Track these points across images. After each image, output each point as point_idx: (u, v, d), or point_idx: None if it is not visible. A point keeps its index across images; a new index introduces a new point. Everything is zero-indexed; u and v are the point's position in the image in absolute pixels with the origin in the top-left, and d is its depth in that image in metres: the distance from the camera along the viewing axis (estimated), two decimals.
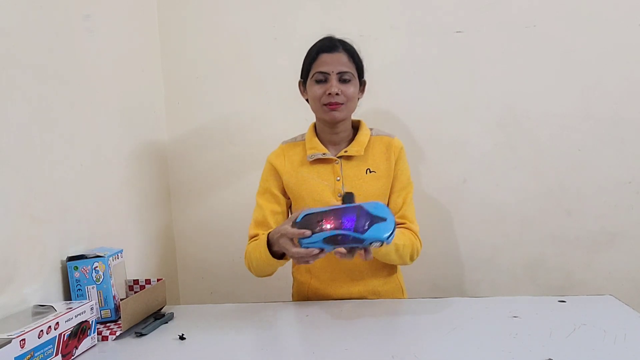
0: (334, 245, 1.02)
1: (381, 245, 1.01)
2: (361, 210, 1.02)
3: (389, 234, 1.00)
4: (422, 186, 1.71)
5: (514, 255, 1.74)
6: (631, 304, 1.13)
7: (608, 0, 1.63)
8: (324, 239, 1.01)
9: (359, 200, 1.24)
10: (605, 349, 0.90)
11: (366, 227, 0.99)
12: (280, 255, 1.18)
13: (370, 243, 1.00)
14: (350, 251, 1.05)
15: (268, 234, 1.19)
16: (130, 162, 1.52)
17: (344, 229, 1.00)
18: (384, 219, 1.01)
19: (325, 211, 1.04)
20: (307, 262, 1.07)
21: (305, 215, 1.05)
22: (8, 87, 1.01)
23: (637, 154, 1.67)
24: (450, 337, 0.99)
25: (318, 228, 1.01)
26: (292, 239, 1.06)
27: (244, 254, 1.30)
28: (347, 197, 1.11)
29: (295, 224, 1.05)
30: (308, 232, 1.02)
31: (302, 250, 1.04)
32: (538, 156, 1.70)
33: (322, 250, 1.03)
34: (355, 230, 0.99)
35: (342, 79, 1.25)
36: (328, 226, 1.01)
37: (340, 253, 1.04)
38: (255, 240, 1.27)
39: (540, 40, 1.66)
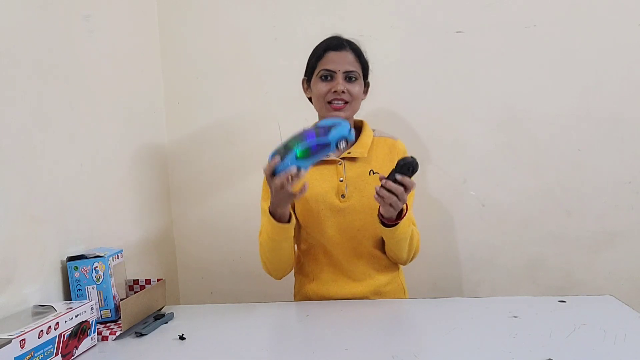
0: (308, 159, 1.10)
1: (347, 144, 1.10)
2: (317, 126, 1.12)
3: (347, 130, 1.10)
4: (423, 186, 1.71)
5: (514, 255, 1.74)
6: (631, 304, 1.13)
7: (608, 0, 1.63)
8: (296, 156, 1.09)
9: (361, 203, 1.25)
10: (605, 349, 0.90)
11: (327, 133, 1.09)
12: (286, 221, 1.19)
13: (337, 144, 1.09)
14: (391, 193, 1.10)
15: (269, 210, 1.19)
16: (130, 161, 1.52)
17: (308, 141, 1.09)
18: (338, 124, 1.11)
19: (287, 139, 1.12)
20: (293, 193, 1.10)
21: (273, 153, 1.12)
22: (8, 87, 1.01)
23: (637, 154, 1.67)
24: (450, 337, 0.99)
25: (287, 153, 1.10)
26: (272, 176, 1.10)
27: (260, 259, 1.30)
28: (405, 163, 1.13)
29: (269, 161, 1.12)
30: (277, 158, 1.09)
31: (281, 175, 1.08)
32: (538, 156, 1.70)
33: (299, 169, 1.09)
34: (318, 137, 1.09)
35: (348, 78, 1.25)
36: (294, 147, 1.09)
37: (381, 197, 1.11)
38: None
39: (540, 40, 1.66)
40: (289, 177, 1.07)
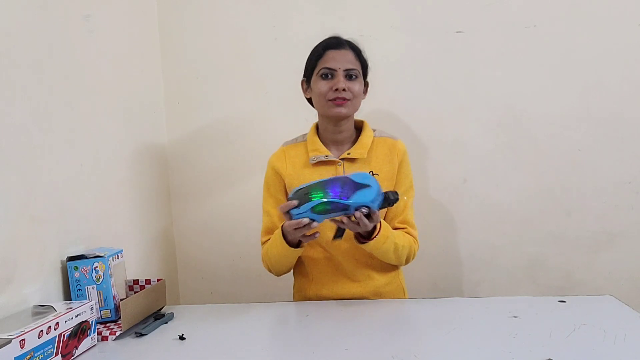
0: (323, 214, 1.08)
1: (368, 211, 1.07)
2: (346, 180, 1.09)
3: (372, 197, 1.06)
4: (423, 186, 1.71)
5: (514, 255, 1.74)
6: (631, 304, 1.13)
7: (608, 0, 1.63)
8: (312, 208, 1.07)
9: None
10: (605, 349, 0.90)
11: (351, 194, 1.06)
12: (296, 245, 1.21)
13: (357, 208, 1.06)
14: (352, 221, 1.10)
15: (282, 227, 1.20)
16: (130, 162, 1.52)
17: (329, 197, 1.06)
18: (368, 186, 1.07)
19: (313, 184, 1.10)
20: (305, 236, 1.12)
21: (297, 190, 1.10)
22: (8, 87, 1.01)
23: (637, 154, 1.67)
24: (450, 337, 0.99)
25: (307, 200, 1.07)
26: (288, 214, 1.10)
27: (261, 257, 1.32)
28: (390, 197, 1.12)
29: (287, 199, 1.12)
30: (294, 202, 1.08)
31: (292, 221, 1.09)
32: (538, 156, 1.70)
33: (312, 220, 1.08)
34: (340, 197, 1.06)
35: (349, 76, 1.25)
36: (315, 197, 1.07)
37: (342, 222, 1.10)
38: (269, 240, 1.29)
39: (540, 40, 1.66)
40: (299, 224, 1.09)
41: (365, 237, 1.20)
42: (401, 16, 1.70)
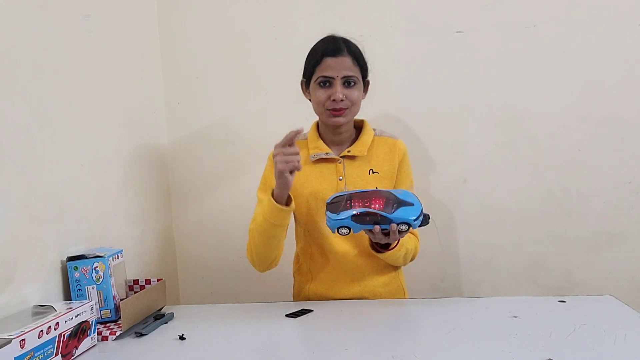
0: (362, 224, 1.07)
1: (408, 229, 1.07)
2: (389, 195, 1.08)
3: (416, 217, 1.06)
4: (423, 186, 1.71)
5: (514, 255, 1.74)
6: (631, 304, 1.13)
7: (608, 0, 1.63)
8: (352, 216, 1.06)
9: None
10: (605, 349, 0.90)
11: (394, 209, 1.05)
12: (284, 204, 1.18)
13: (398, 225, 1.06)
14: (384, 232, 1.09)
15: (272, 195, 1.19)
16: (130, 162, 1.52)
17: (372, 209, 1.05)
18: (411, 204, 1.07)
19: (355, 192, 1.10)
20: (294, 164, 1.12)
21: (336, 196, 1.11)
22: (8, 87, 1.01)
23: (637, 154, 1.67)
24: (450, 337, 0.99)
25: (347, 207, 1.07)
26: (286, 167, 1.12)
27: (246, 247, 1.30)
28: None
29: (326, 205, 1.11)
30: (294, 132, 1.10)
31: (280, 144, 1.12)
32: (538, 156, 1.70)
33: (349, 228, 1.07)
34: (384, 210, 1.05)
35: (347, 82, 1.24)
36: (357, 205, 1.06)
37: (375, 232, 1.09)
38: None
39: (540, 40, 1.66)
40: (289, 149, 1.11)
41: (382, 246, 1.20)
42: (401, 16, 1.70)
